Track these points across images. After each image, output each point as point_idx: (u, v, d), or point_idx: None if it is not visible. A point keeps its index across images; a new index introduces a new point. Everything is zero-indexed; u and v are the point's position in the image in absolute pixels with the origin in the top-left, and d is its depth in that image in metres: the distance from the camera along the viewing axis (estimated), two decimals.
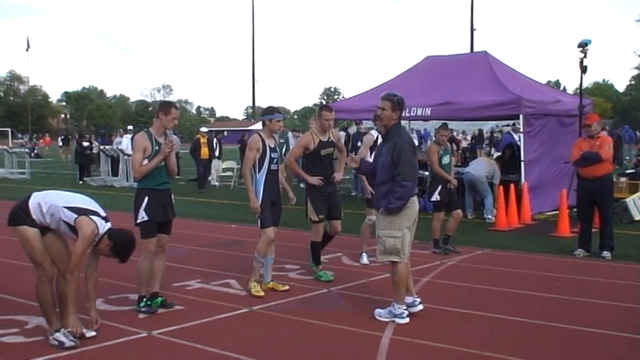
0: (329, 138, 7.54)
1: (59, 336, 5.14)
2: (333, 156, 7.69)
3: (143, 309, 6.09)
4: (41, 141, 51.49)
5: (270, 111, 7.01)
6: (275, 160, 6.88)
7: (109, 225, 5.25)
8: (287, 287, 7.01)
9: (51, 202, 5.19)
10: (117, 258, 5.23)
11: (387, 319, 5.86)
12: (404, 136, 5.91)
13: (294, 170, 7.88)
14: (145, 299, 6.14)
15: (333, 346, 5.30)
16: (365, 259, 8.42)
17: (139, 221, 6.05)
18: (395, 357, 5.01)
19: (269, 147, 6.83)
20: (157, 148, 6.05)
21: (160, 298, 6.21)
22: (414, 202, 5.90)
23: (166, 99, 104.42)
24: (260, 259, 6.89)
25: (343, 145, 8.09)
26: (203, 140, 18.83)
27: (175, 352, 5.15)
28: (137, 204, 6.08)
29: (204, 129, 20.86)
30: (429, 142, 18.09)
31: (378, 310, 6.01)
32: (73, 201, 5.27)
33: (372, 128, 16.46)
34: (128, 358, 5.06)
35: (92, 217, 5.15)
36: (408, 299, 6.02)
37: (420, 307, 6.08)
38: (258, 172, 6.81)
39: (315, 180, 7.40)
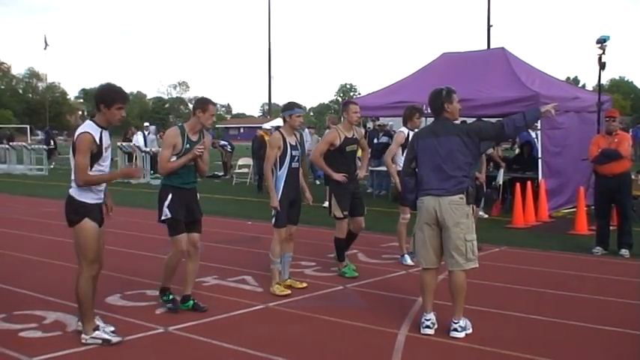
0: (353, 135, 7.50)
1: (100, 334, 5.11)
2: (355, 153, 7.65)
3: (167, 303, 6.06)
4: None
5: (291, 106, 6.84)
6: (296, 158, 6.76)
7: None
8: (305, 284, 6.99)
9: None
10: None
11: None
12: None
13: (319, 166, 7.64)
14: (168, 292, 6.07)
15: (349, 343, 5.30)
16: (409, 260, 8.05)
17: (162, 218, 5.94)
18: (410, 354, 5.00)
19: (290, 145, 6.69)
20: (187, 146, 5.87)
21: (191, 302, 6.08)
22: (422, 203, 5.45)
23: (182, 96, 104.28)
24: (276, 260, 6.77)
25: (366, 143, 8.00)
26: (267, 137, 18.60)
27: (191, 347, 5.17)
28: (161, 200, 5.94)
29: (266, 126, 20.37)
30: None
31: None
32: None
33: (388, 124, 16.48)
34: (145, 353, 5.09)
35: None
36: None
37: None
38: (279, 170, 6.70)
39: (339, 177, 7.35)
